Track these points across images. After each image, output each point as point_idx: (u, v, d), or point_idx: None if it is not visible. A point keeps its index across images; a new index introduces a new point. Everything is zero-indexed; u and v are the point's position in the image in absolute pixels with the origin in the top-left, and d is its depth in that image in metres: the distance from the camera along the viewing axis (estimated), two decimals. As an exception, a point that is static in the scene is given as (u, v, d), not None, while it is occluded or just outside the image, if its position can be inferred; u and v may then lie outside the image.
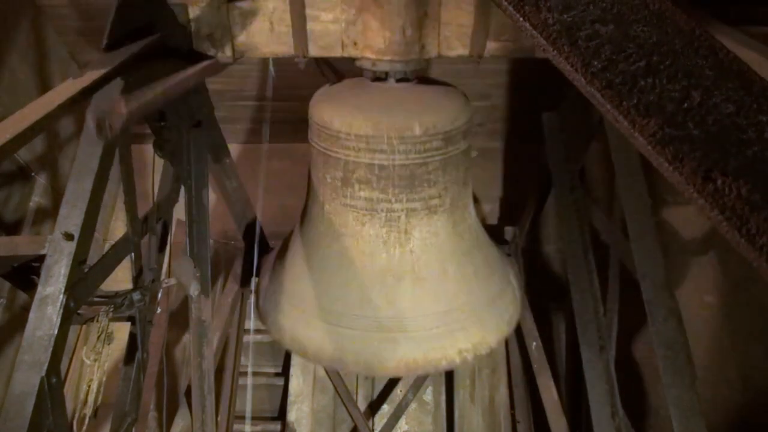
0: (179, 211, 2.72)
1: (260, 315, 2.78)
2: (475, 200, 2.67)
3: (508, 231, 4.06)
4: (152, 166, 2.49)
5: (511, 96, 4.36)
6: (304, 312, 2.52)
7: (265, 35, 2.21)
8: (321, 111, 2.33)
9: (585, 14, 0.91)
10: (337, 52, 2.23)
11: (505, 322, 2.61)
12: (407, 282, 2.42)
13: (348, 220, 2.39)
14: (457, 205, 2.46)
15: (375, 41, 2.12)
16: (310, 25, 2.17)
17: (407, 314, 2.42)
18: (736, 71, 0.84)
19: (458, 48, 2.20)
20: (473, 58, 2.21)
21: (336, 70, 3.22)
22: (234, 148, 3.19)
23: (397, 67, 2.21)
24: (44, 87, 3.72)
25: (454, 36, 2.18)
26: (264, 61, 2.43)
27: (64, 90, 1.63)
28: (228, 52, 2.21)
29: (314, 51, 2.23)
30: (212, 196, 2.91)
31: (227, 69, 2.30)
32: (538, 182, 3.62)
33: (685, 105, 0.82)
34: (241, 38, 2.21)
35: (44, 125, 1.53)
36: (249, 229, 3.71)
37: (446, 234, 2.44)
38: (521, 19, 0.94)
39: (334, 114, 2.27)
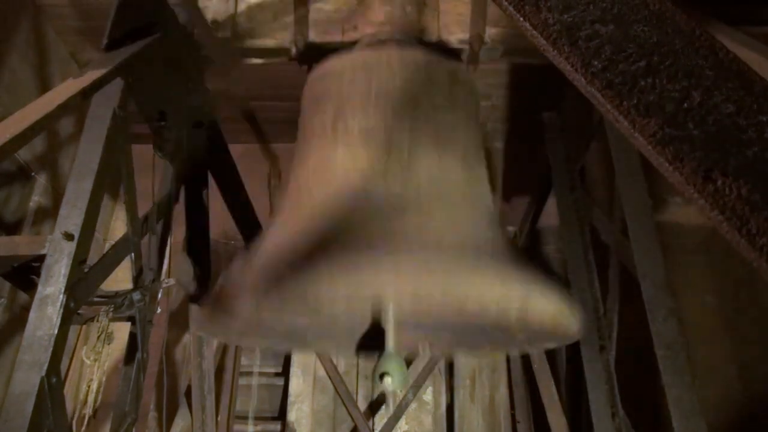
0: (179, 211, 2.72)
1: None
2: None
3: (508, 231, 4.06)
4: (152, 166, 2.49)
5: (511, 96, 4.36)
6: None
7: (268, 25, 2.23)
8: (317, 67, 2.17)
9: (585, 14, 0.91)
10: (338, 37, 2.24)
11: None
12: (411, 213, 1.91)
13: (343, 156, 1.99)
14: (469, 148, 2.14)
15: (375, 17, 2.13)
16: (313, 16, 2.20)
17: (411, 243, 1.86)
18: (736, 71, 0.84)
19: (457, 32, 2.22)
20: (474, 42, 2.22)
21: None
22: (234, 148, 3.19)
23: (397, 36, 2.17)
24: (44, 87, 3.72)
25: (453, 22, 2.20)
26: (264, 61, 2.43)
27: (64, 90, 1.63)
28: (229, 32, 2.23)
29: (315, 36, 2.25)
30: (212, 196, 2.91)
31: (226, 69, 2.31)
32: (538, 182, 3.63)
33: (685, 105, 0.82)
34: (245, 27, 2.23)
35: (44, 125, 1.53)
36: (249, 229, 3.71)
37: (456, 176, 2.06)
38: (521, 19, 0.94)
39: (329, 60, 2.13)
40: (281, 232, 2.04)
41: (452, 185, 1.99)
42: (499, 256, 1.94)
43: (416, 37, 2.20)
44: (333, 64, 2.08)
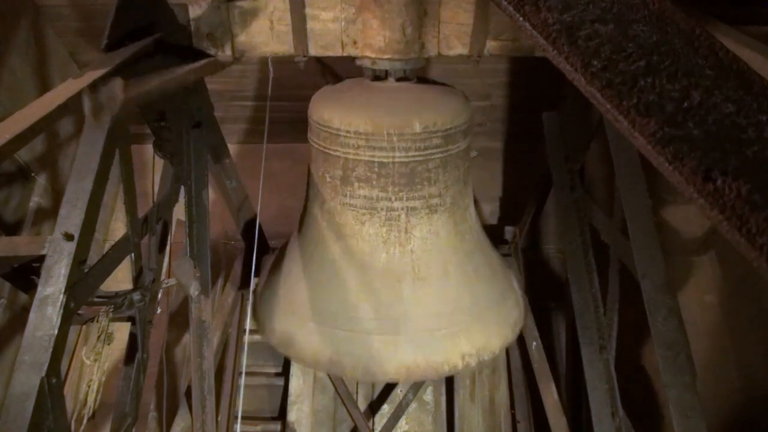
0: (179, 211, 2.71)
1: (257, 322, 2.74)
2: (475, 200, 2.66)
3: (508, 231, 4.06)
4: (152, 166, 2.49)
5: (511, 96, 4.36)
6: (300, 316, 2.48)
7: (265, 35, 2.21)
8: (320, 110, 2.33)
9: (585, 14, 0.91)
10: (337, 51, 2.23)
11: (509, 326, 2.58)
12: (407, 282, 2.39)
13: (347, 219, 2.38)
14: (458, 204, 2.45)
15: (375, 40, 2.12)
16: (310, 24, 2.18)
17: (408, 316, 2.37)
18: (736, 71, 0.84)
19: (458, 47, 2.21)
20: (473, 57, 2.21)
21: (335, 74, 3.23)
22: (234, 148, 3.19)
23: (396, 66, 2.21)
24: (44, 87, 3.71)
25: (453, 35, 2.18)
26: (263, 61, 2.43)
27: (64, 90, 1.63)
28: (228, 51, 2.21)
29: (314, 50, 2.23)
30: (212, 196, 2.91)
31: (227, 69, 2.30)
32: (538, 182, 3.63)
33: (685, 105, 0.82)
34: (241, 37, 2.21)
35: (44, 125, 1.53)
36: (249, 229, 3.71)
37: (447, 234, 2.42)
38: (521, 19, 0.94)
39: (333, 112, 2.27)
40: (290, 274, 2.63)
41: (439, 239, 2.41)
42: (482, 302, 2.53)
43: (415, 66, 2.25)
44: (340, 116, 2.25)
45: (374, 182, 2.28)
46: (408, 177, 2.27)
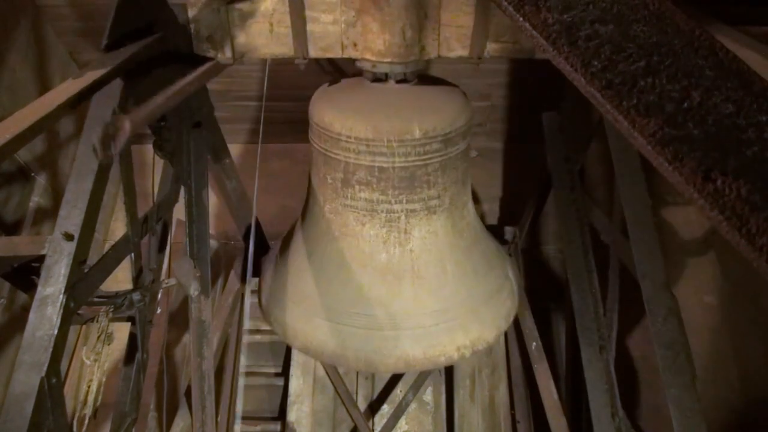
0: (179, 211, 2.72)
1: (263, 312, 2.79)
2: (475, 200, 2.67)
3: (508, 231, 4.06)
4: (152, 166, 2.49)
5: (511, 96, 4.36)
6: (306, 309, 2.54)
7: (265, 36, 2.21)
8: (321, 113, 2.33)
9: (585, 14, 0.91)
10: (337, 53, 2.23)
11: (502, 318, 2.63)
12: (407, 281, 2.43)
13: (348, 220, 2.40)
14: (456, 204, 2.47)
15: (375, 43, 2.12)
16: (310, 27, 2.17)
17: (407, 312, 2.43)
18: (736, 71, 0.84)
19: (458, 49, 2.20)
20: (473, 59, 2.21)
21: (336, 67, 3.22)
22: (234, 148, 3.19)
23: (396, 69, 2.21)
24: (44, 87, 3.72)
25: (453, 37, 2.18)
26: (264, 61, 2.43)
27: (64, 90, 1.63)
28: (228, 53, 2.21)
29: (314, 52, 2.23)
30: (212, 196, 2.91)
31: (227, 69, 2.30)
32: (538, 182, 3.62)
33: (685, 105, 0.82)
34: (241, 39, 2.21)
35: (44, 125, 1.53)
36: (249, 229, 3.71)
37: (445, 233, 2.45)
38: (521, 19, 0.94)
39: (334, 116, 2.27)
40: (293, 271, 2.67)
41: (438, 238, 2.44)
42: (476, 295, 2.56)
43: (415, 68, 2.25)
44: (341, 121, 2.26)
45: (374, 186, 2.30)
46: (408, 181, 2.30)
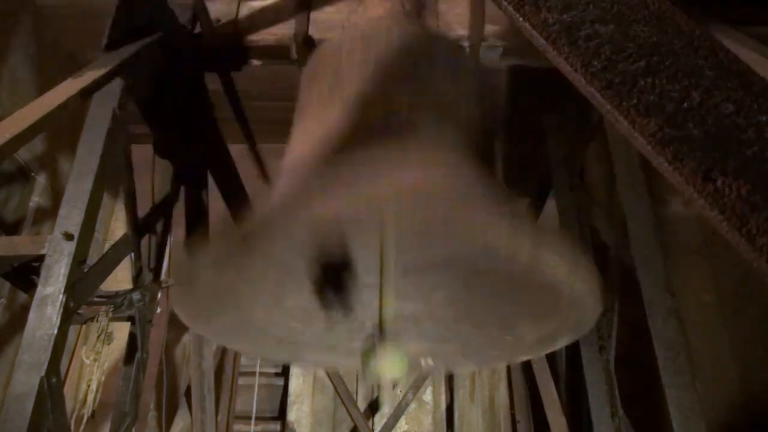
0: (179, 211, 2.72)
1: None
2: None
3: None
4: (152, 166, 2.49)
5: (511, 97, 4.35)
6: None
7: (269, 22, 2.23)
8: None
9: (585, 14, 0.91)
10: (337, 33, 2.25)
11: None
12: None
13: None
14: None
15: (375, 12, 2.11)
16: (314, 15, 2.20)
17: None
18: (736, 71, 0.84)
19: (458, 29, 2.23)
20: (474, 36, 2.22)
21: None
22: (234, 148, 3.19)
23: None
24: (44, 87, 3.70)
25: (453, 21, 2.20)
26: (264, 61, 2.43)
27: (64, 90, 1.63)
28: (230, 31, 2.23)
29: (315, 33, 2.25)
30: (212, 196, 2.91)
31: (227, 69, 2.31)
32: (538, 182, 3.62)
33: (685, 105, 0.82)
34: (245, 24, 2.23)
35: (44, 125, 1.53)
36: (249, 229, 3.70)
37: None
38: (521, 19, 0.94)
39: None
40: (282, 193, 1.95)
41: (452, 147, 1.91)
42: (501, 202, 1.80)
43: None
44: (331, 40, 2.06)
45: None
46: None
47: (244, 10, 2.21)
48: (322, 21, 2.21)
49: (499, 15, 2.15)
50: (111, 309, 2.18)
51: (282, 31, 2.25)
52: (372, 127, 1.84)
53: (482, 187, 1.78)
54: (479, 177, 1.86)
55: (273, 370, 4.10)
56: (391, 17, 2.05)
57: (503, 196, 1.87)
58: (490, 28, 2.21)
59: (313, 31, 2.23)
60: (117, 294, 2.25)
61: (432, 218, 1.75)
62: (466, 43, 2.25)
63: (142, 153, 2.47)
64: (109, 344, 2.16)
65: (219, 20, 2.24)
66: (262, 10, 2.20)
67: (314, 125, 2.00)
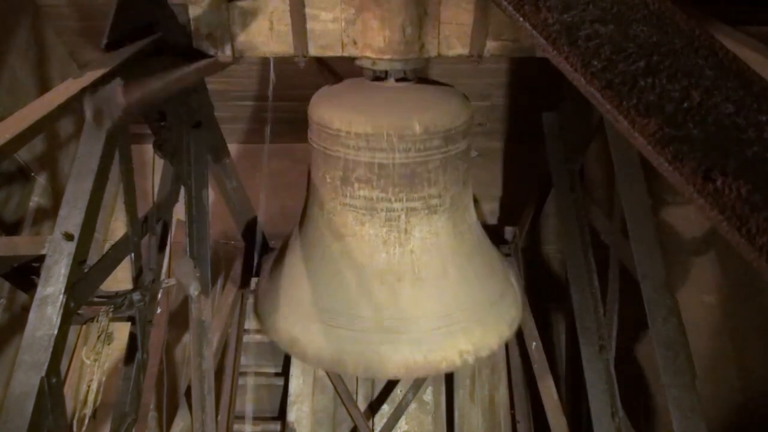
0: (179, 211, 2.72)
1: (258, 318, 2.76)
2: (475, 200, 2.65)
3: (508, 231, 4.06)
4: (152, 166, 2.49)
5: (511, 96, 4.36)
6: (302, 314, 2.49)
7: (265, 34, 2.21)
8: (320, 110, 2.33)
9: (585, 14, 0.91)
10: (337, 52, 2.23)
11: (506, 324, 2.59)
12: (407, 282, 2.40)
13: (347, 219, 2.38)
14: (458, 205, 2.46)
15: (375, 40, 2.12)
16: (310, 24, 2.18)
17: (407, 315, 2.39)
18: (736, 71, 0.84)
19: (458, 47, 2.21)
20: (473, 58, 2.21)
21: (336, 73, 3.21)
22: (234, 148, 3.19)
23: (396, 66, 2.21)
24: (44, 87, 3.71)
25: (453, 35, 2.18)
26: (264, 61, 2.44)
27: (64, 90, 1.63)
28: (228, 51, 2.21)
29: (314, 50, 2.23)
30: (212, 196, 2.91)
31: (227, 69, 2.30)
32: (538, 182, 3.63)
33: (685, 105, 0.82)
34: (241, 37, 2.21)
35: (44, 125, 1.53)
36: (249, 229, 3.71)
37: (446, 234, 2.43)
38: (521, 19, 0.94)
39: (333, 113, 2.27)
40: (291, 272, 2.61)
41: (439, 237, 2.41)
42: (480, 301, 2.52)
43: (415, 66, 2.26)
44: (340, 117, 2.25)
45: (374, 183, 2.28)
46: (408, 178, 2.28)
47: (235, 13, 2.19)
48: (318, 31, 2.19)
49: (504, 28, 2.14)
50: (111, 309, 2.18)
51: (280, 47, 2.24)
52: (377, 242, 2.34)
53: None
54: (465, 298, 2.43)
55: (273, 370, 4.10)
56: (390, 52, 2.12)
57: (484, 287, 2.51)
58: (492, 44, 2.19)
59: (312, 49, 2.22)
60: (117, 294, 2.25)
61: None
62: (466, 53, 2.26)
63: (142, 153, 2.47)
64: (109, 344, 2.15)
65: (210, 27, 2.22)
66: (256, 18, 2.18)
67: (329, 215, 2.41)
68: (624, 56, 0.87)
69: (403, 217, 2.34)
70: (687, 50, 0.86)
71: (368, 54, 2.17)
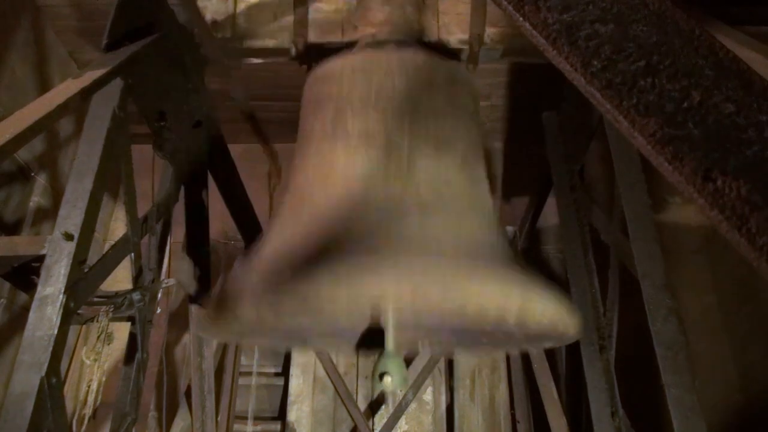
0: (179, 211, 2.72)
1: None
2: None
3: (508, 231, 4.06)
4: (152, 166, 2.49)
5: (511, 96, 4.36)
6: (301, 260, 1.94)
7: (268, 24, 2.23)
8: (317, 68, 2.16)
9: (584, 14, 0.91)
10: (337, 36, 2.24)
11: (517, 294, 2.13)
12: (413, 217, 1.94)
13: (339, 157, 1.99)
14: (471, 163, 2.15)
15: (375, 18, 2.12)
16: (313, 16, 2.20)
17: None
18: (736, 71, 0.84)
19: (457, 33, 2.23)
20: (473, 45, 2.22)
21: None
22: (234, 148, 3.19)
23: (397, 36, 2.13)
24: (44, 87, 3.71)
25: (452, 22, 2.20)
26: (263, 61, 2.43)
27: (64, 90, 1.63)
28: (228, 33, 2.23)
29: (314, 36, 2.25)
30: (212, 196, 2.91)
31: (227, 69, 2.31)
32: (538, 182, 3.63)
33: (685, 105, 0.82)
34: (243, 26, 2.23)
35: (44, 125, 1.53)
36: (249, 229, 3.71)
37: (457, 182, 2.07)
38: (521, 18, 0.94)
39: (331, 63, 2.10)
40: (282, 234, 2.04)
41: (452, 187, 2.00)
42: (498, 258, 1.96)
43: (416, 38, 2.20)
44: (332, 65, 2.08)
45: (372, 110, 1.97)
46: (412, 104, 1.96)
47: (241, 6, 2.21)
48: (320, 21, 2.21)
49: (501, 16, 2.16)
50: (111, 309, 2.18)
51: (281, 35, 2.24)
52: (374, 178, 1.89)
53: (478, 252, 1.88)
54: (477, 237, 1.96)
55: (273, 370, 4.10)
56: (391, 24, 2.06)
57: (500, 250, 2.00)
58: (491, 31, 2.21)
59: (312, 35, 2.23)
60: (117, 294, 2.24)
61: (428, 299, 1.78)
62: (465, 47, 2.25)
63: (142, 153, 2.47)
64: (109, 344, 2.16)
65: (215, 20, 2.24)
66: (260, 9, 2.20)
67: (317, 160, 2.03)
68: (624, 56, 0.87)
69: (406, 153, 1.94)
70: (687, 50, 0.86)
71: (369, 30, 2.14)
